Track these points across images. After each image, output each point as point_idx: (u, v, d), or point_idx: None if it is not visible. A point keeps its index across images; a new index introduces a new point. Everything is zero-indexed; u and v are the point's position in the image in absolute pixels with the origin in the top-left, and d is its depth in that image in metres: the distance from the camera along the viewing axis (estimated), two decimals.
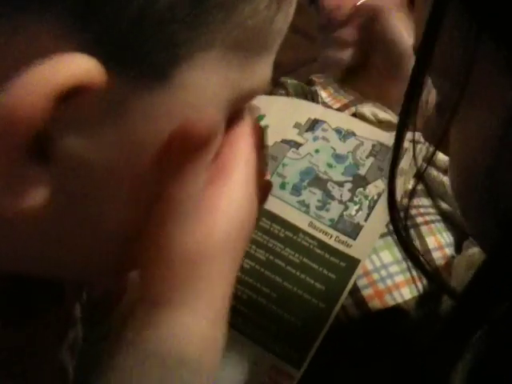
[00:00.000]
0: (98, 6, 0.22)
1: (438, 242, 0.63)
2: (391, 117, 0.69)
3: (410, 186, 0.62)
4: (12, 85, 0.21)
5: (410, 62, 0.62)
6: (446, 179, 0.63)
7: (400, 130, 0.36)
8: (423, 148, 0.38)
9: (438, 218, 0.65)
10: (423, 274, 0.43)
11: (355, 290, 0.57)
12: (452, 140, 0.34)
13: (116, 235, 0.30)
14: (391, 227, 0.60)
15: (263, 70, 0.30)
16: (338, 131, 0.63)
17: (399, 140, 0.36)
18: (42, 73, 0.21)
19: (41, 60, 0.21)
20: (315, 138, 0.62)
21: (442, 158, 0.63)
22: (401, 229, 0.40)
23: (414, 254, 0.41)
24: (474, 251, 0.58)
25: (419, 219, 0.63)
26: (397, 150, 0.37)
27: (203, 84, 0.27)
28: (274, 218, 0.57)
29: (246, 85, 0.29)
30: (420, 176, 0.53)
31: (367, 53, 0.70)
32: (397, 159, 0.38)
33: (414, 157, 0.37)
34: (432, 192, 0.65)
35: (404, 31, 0.67)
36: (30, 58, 0.21)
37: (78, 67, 0.21)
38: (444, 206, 0.65)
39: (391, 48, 0.67)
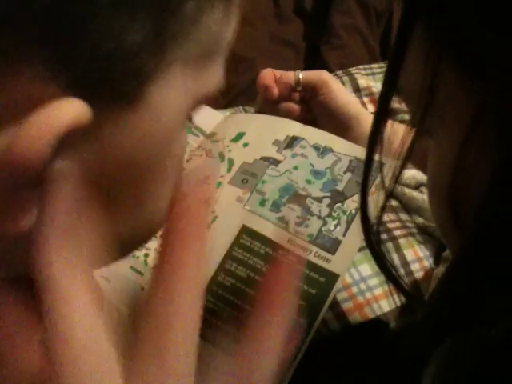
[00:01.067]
0: (73, 51, 0.23)
1: (416, 254, 0.64)
2: None
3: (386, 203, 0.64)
4: (16, 134, 0.23)
5: (360, 123, 0.65)
6: (416, 194, 0.65)
7: (370, 150, 0.37)
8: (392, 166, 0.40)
9: (416, 231, 0.66)
10: (396, 288, 0.44)
11: (335, 304, 0.58)
12: (429, 154, 0.35)
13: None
14: None
15: (216, 72, 0.32)
16: (316, 148, 0.64)
17: (369, 159, 0.38)
18: (45, 120, 0.23)
19: (39, 105, 0.23)
20: (294, 155, 0.63)
21: (410, 175, 0.65)
22: (374, 244, 0.41)
23: (387, 268, 0.42)
24: None
25: (397, 232, 0.65)
26: (367, 168, 0.39)
27: (168, 100, 0.29)
28: (255, 234, 0.57)
29: (203, 90, 0.31)
30: (390, 193, 0.54)
31: (314, 122, 0.71)
32: (367, 178, 0.40)
33: (382, 177, 0.38)
34: (408, 207, 0.66)
35: (348, 97, 0.69)
36: (27, 101, 0.23)
37: (73, 111, 0.24)
38: (421, 220, 0.66)
39: (339, 114, 0.68)
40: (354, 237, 0.57)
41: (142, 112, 0.28)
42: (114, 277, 0.56)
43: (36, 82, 0.24)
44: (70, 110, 0.24)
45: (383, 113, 0.35)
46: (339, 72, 0.84)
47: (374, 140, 0.36)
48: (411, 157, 0.36)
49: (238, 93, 0.97)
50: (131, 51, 0.25)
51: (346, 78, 0.82)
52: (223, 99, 0.96)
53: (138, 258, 0.58)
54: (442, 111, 0.31)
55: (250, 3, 1.10)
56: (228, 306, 0.54)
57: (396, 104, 0.83)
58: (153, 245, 0.59)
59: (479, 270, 0.29)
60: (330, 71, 0.88)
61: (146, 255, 0.58)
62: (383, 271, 0.42)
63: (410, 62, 0.32)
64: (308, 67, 1.03)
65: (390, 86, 0.34)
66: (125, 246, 0.35)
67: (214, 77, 0.33)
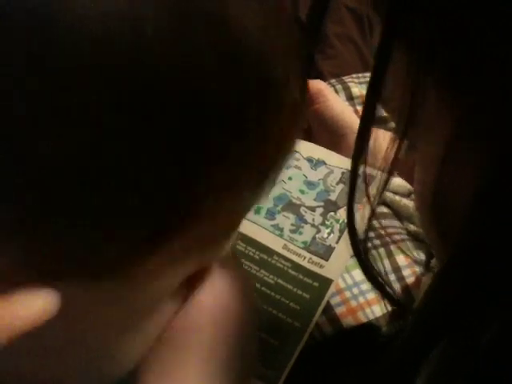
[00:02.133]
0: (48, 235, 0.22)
1: (407, 259, 0.65)
2: None
3: (378, 210, 0.65)
4: None
5: (354, 132, 0.64)
6: (407, 202, 0.66)
7: (355, 159, 0.38)
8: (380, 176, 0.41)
9: (407, 237, 0.67)
10: (382, 295, 0.45)
11: (328, 308, 0.59)
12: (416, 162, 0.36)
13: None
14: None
15: (224, 247, 0.32)
16: (309, 160, 0.65)
17: (355, 169, 0.38)
18: (7, 317, 0.22)
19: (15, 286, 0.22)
20: (288, 167, 0.64)
21: (400, 182, 0.66)
22: (361, 252, 0.42)
23: (373, 276, 0.43)
24: None
25: (389, 238, 0.66)
26: (353, 179, 0.39)
27: (159, 281, 0.28)
28: (249, 241, 0.59)
29: (201, 265, 0.31)
30: (377, 203, 0.55)
31: (308, 130, 0.72)
32: (354, 188, 0.40)
33: (367, 187, 0.39)
34: (399, 214, 0.67)
35: (342, 106, 0.71)
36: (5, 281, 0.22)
37: (39, 305, 0.23)
38: (412, 227, 0.67)
39: (333, 123, 0.69)
40: (347, 244, 0.59)
41: (130, 291, 0.27)
42: None
43: (12, 264, 0.22)
44: (35, 306, 0.23)
45: (367, 125, 0.35)
46: (333, 81, 0.85)
47: (360, 149, 0.37)
48: (397, 167, 0.37)
49: None
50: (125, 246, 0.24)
51: (339, 87, 0.83)
52: None
53: None
54: (424, 125, 0.32)
55: None
56: None
57: (385, 113, 0.84)
58: None
59: (465, 278, 0.30)
60: (324, 80, 0.89)
61: None
62: (370, 279, 0.43)
63: (391, 77, 0.32)
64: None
65: (373, 100, 0.34)
66: None
67: (220, 251, 0.32)
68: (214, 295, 0.36)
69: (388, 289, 0.44)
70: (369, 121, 0.35)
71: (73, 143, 0.20)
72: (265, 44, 0.24)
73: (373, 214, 0.40)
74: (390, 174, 0.37)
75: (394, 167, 0.35)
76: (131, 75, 0.20)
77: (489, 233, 0.28)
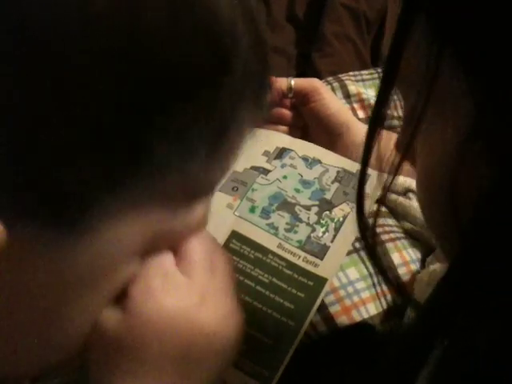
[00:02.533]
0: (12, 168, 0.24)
1: (403, 257, 0.65)
2: None
3: (374, 209, 0.66)
4: None
5: (350, 130, 0.64)
6: (403, 200, 0.66)
7: (365, 155, 0.38)
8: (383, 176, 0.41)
9: (403, 235, 0.67)
10: (390, 288, 0.45)
11: (323, 307, 0.59)
12: (418, 153, 0.35)
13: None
14: (357, 245, 0.63)
15: (192, 213, 0.32)
16: (304, 159, 0.66)
17: (365, 164, 0.38)
18: None
19: None
20: (283, 165, 0.65)
21: (399, 181, 0.66)
22: (371, 246, 0.42)
23: (383, 269, 0.43)
24: (435, 267, 0.60)
25: (384, 237, 0.66)
26: (363, 174, 0.39)
27: (119, 234, 0.29)
28: (244, 239, 0.59)
29: (170, 226, 0.31)
30: (381, 199, 0.56)
31: (304, 128, 0.72)
32: (363, 183, 0.40)
33: (385, 186, 0.40)
34: (395, 213, 0.68)
35: (338, 105, 0.71)
36: None
37: None
38: (408, 225, 0.68)
39: (329, 121, 0.69)
40: (342, 243, 0.59)
41: (88, 241, 0.28)
42: None
43: None
44: None
45: (381, 110, 0.35)
46: (330, 79, 0.85)
47: (370, 146, 0.37)
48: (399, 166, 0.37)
49: None
50: (79, 187, 0.26)
51: (336, 85, 0.84)
52: None
53: None
54: (442, 107, 0.31)
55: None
56: None
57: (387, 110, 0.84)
58: None
59: (476, 274, 0.30)
60: (321, 78, 0.90)
61: None
62: (380, 272, 0.43)
63: (411, 50, 0.32)
64: (299, 74, 1.05)
65: (389, 80, 0.34)
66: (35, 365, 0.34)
67: (193, 215, 0.33)
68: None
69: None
70: (383, 104, 0.35)
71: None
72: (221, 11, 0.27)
73: (376, 213, 0.40)
74: (404, 157, 0.36)
75: (409, 151, 0.35)
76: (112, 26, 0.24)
77: (506, 221, 0.28)
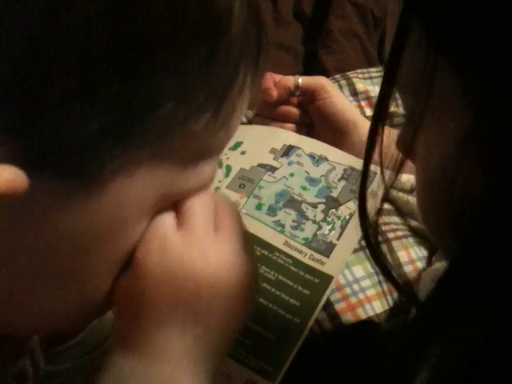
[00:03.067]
0: (29, 124, 0.25)
1: (409, 255, 0.65)
2: None
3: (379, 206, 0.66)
4: None
5: (357, 129, 0.64)
6: (410, 198, 0.66)
7: (368, 153, 0.38)
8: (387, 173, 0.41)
9: (409, 233, 0.67)
10: (393, 286, 0.46)
11: (328, 305, 0.59)
12: (418, 155, 0.35)
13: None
14: (363, 243, 0.63)
15: (199, 173, 0.33)
16: (311, 156, 0.66)
17: (367, 163, 0.39)
18: None
19: None
20: (290, 163, 0.65)
21: (405, 179, 0.66)
22: (373, 244, 0.43)
23: (385, 268, 0.43)
24: (439, 265, 0.61)
25: (391, 235, 0.66)
26: (365, 172, 0.40)
27: (130, 191, 0.30)
28: (251, 237, 0.58)
29: (178, 186, 0.32)
30: (386, 197, 0.56)
31: (311, 125, 0.72)
32: (366, 182, 0.41)
33: (383, 174, 0.40)
34: (401, 211, 0.68)
35: (345, 103, 0.71)
36: None
37: (5, 178, 0.24)
38: (414, 223, 0.68)
39: (336, 119, 0.69)
40: (348, 241, 0.59)
41: (99, 197, 0.29)
42: None
43: None
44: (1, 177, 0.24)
45: (382, 112, 0.36)
46: (337, 76, 0.85)
47: (372, 143, 0.38)
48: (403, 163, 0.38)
49: None
50: (90, 137, 0.26)
51: (343, 82, 0.84)
52: None
53: None
54: (440, 110, 0.31)
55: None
56: None
57: (392, 108, 0.84)
58: None
59: (475, 272, 0.30)
60: (328, 75, 0.90)
61: None
62: (381, 270, 0.44)
63: (408, 58, 0.32)
64: (306, 71, 1.05)
65: (389, 83, 0.35)
66: (59, 321, 0.35)
67: (197, 177, 0.33)
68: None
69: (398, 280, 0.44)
70: (385, 104, 0.36)
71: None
72: None
73: (379, 211, 0.41)
74: (401, 167, 0.37)
75: (410, 152, 0.36)
76: None
77: (507, 220, 0.28)
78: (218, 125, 0.32)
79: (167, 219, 0.35)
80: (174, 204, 0.35)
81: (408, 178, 0.67)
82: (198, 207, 0.36)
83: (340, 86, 0.83)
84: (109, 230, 0.31)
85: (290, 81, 0.71)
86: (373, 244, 0.42)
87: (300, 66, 1.06)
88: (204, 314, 0.35)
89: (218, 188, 0.64)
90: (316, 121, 0.72)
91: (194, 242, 0.35)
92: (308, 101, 0.71)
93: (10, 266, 0.30)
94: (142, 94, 0.27)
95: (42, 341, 0.43)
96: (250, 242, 0.39)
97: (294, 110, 0.72)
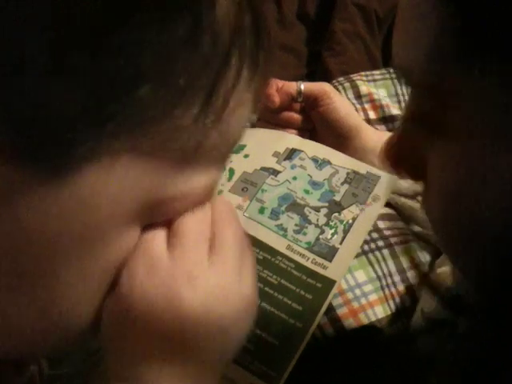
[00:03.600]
0: None
1: (412, 260, 0.65)
2: None
3: (383, 211, 0.66)
4: None
5: (359, 135, 0.64)
6: (413, 204, 0.66)
7: None
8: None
9: (412, 238, 0.67)
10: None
11: (330, 309, 0.59)
12: (432, 166, 0.34)
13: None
14: (366, 248, 0.63)
15: (190, 180, 0.30)
16: (314, 160, 0.66)
17: None
18: None
19: None
20: (293, 166, 0.65)
21: (405, 185, 0.66)
22: None
23: None
24: (442, 270, 0.61)
25: (394, 239, 0.66)
26: None
27: (106, 188, 0.27)
28: (253, 241, 0.58)
29: (165, 191, 0.29)
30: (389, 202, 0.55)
31: (314, 131, 0.73)
32: None
33: None
34: (405, 216, 0.68)
35: (348, 108, 0.71)
36: None
37: None
38: (418, 228, 0.67)
39: (338, 125, 0.69)
40: (351, 245, 0.59)
41: (68, 189, 0.26)
42: None
43: None
44: None
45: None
46: (341, 79, 0.85)
47: None
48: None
49: None
50: (62, 123, 0.24)
51: (347, 85, 0.84)
52: None
53: None
54: (467, 116, 0.30)
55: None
56: None
57: (396, 111, 0.84)
58: None
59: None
60: (332, 77, 0.90)
61: None
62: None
63: None
64: (309, 73, 1.05)
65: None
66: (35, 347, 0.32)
67: (192, 183, 0.30)
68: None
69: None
70: None
71: None
72: None
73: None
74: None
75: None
76: None
77: None
78: (208, 122, 0.29)
79: (157, 236, 0.32)
80: (168, 221, 0.32)
81: (409, 183, 0.67)
82: (191, 225, 0.33)
83: (344, 89, 0.83)
84: (83, 233, 0.28)
85: (292, 87, 0.71)
86: None
87: (303, 68, 1.05)
88: (191, 347, 0.32)
89: (221, 191, 0.64)
90: (318, 126, 0.72)
91: (183, 265, 0.32)
92: (311, 107, 0.71)
93: None
94: (115, 71, 0.25)
95: None
96: (250, 260, 0.36)
97: (297, 116, 0.72)
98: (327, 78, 0.94)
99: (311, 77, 1.04)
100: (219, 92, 0.29)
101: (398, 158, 0.36)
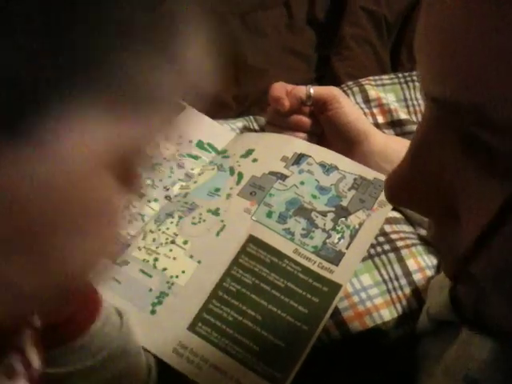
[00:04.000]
0: None
1: (418, 264, 0.66)
2: None
3: (390, 215, 0.66)
4: None
5: (368, 139, 0.64)
6: None
7: None
8: None
9: (419, 242, 0.68)
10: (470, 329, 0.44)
11: (336, 312, 0.59)
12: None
13: None
14: (372, 251, 0.64)
15: (152, 128, 0.29)
16: (322, 165, 0.67)
17: None
18: None
19: None
20: (300, 171, 0.66)
21: None
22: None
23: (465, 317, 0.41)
24: None
25: (400, 243, 0.66)
26: None
27: (73, 143, 0.26)
28: (261, 244, 0.60)
29: (131, 141, 0.29)
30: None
31: (322, 135, 0.73)
32: None
33: None
34: (411, 220, 0.68)
35: (356, 113, 0.72)
36: None
37: None
38: (423, 231, 0.68)
39: (347, 129, 0.70)
40: (357, 250, 0.60)
41: (36, 150, 0.25)
42: (125, 278, 0.59)
43: None
44: None
45: None
46: (350, 83, 0.86)
47: None
48: None
49: (251, 103, 0.99)
50: (15, 77, 0.23)
51: (356, 89, 0.84)
52: (236, 108, 0.98)
53: (147, 261, 0.61)
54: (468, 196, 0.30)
55: (263, 13, 1.12)
56: (233, 311, 0.57)
57: (405, 115, 0.85)
58: (162, 250, 0.62)
59: None
60: (340, 81, 0.90)
61: (156, 259, 0.61)
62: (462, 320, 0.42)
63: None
64: (318, 78, 1.05)
65: None
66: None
67: (154, 128, 0.30)
68: None
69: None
70: None
71: None
72: None
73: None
74: None
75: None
76: None
77: None
78: (165, 63, 0.28)
79: None
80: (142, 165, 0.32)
81: None
82: None
83: (353, 93, 0.84)
84: (59, 190, 0.27)
85: (301, 91, 0.72)
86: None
87: (312, 72, 1.06)
88: None
89: (229, 195, 0.65)
90: (327, 130, 0.72)
91: None
92: (320, 110, 0.72)
93: None
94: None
95: (36, 340, 0.42)
96: None
97: (306, 120, 0.73)
98: (336, 82, 0.92)
99: (320, 81, 1.04)
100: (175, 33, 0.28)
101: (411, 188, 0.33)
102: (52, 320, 0.44)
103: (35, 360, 0.41)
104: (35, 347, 0.41)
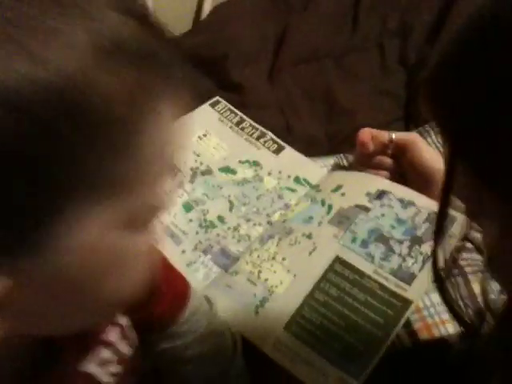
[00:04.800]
0: None
1: (483, 288, 0.72)
2: None
3: (459, 244, 0.74)
4: None
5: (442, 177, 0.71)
6: None
7: (443, 204, 0.46)
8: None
9: (486, 269, 0.74)
10: (456, 319, 0.53)
11: (408, 323, 0.67)
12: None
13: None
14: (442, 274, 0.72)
15: (146, 193, 0.33)
16: (400, 201, 0.74)
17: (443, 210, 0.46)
18: None
19: None
20: (382, 205, 0.74)
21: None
22: (442, 281, 0.49)
23: (449, 301, 0.51)
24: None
25: (468, 269, 0.72)
26: (440, 222, 0.47)
27: (84, 234, 0.30)
28: (346, 264, 0.69)
29: (134, 208, 0.32)
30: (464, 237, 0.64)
31: (403, 174, 0.78)
32: (440, 232, 0.48)
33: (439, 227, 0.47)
34: (480, 249, 0.75)
35: (433, 155, 0.77)
36: None
37: None
38: None
39: (423, 170, 0.76)
40: (428, 273, 0.64)
41: (52, 255, 0.29)
42: (235, 285, 0.71)
43: None
44: None
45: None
46: (432, 122, 0.91)
47: (447, 195, 0.43)
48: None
49: (340, 141, 1.04)
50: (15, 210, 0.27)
51: (437, 129, 0.89)
52: (327, 145, 1.04)
53: (253, 273, 0.72)
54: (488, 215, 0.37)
55: (356, 55, 1.16)
56: (321, 317, 0.66)
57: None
58: (265, 265, 0.72)
59: None
60: (424, 121, 0.97)
61: (260, 271, 0.72)
62: (446, 304, 0.51)
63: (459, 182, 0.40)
64: (406, 116, 1.08)
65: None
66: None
67: (146, 196, 0.33)
68: None
69: (458, 311, 0.50)
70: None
71: None
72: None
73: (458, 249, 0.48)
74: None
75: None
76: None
77: None
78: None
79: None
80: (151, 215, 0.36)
81: None
82: None
83: (433, 132, 0.91)
84: (93, 268, 0.33)
85: (384, 136, 0.78)
86: (440, 280, 0.50)
87: (400, 111, 1.08)
88: None
89: (320, 223, 0.75)
90: (408, 170, 0.78)
91: None
92: (401, 153, 0.79)
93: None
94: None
95: (124, 334, 0.50)
96: None
97: (388, 160, 0.80)
98: (420, 120, 0.99)
99: (407, 120, 1.07)
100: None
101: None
102: (144, 316, 0.52)
103: (125, 349, 0.50)
104: (125, 339, 0.50)
